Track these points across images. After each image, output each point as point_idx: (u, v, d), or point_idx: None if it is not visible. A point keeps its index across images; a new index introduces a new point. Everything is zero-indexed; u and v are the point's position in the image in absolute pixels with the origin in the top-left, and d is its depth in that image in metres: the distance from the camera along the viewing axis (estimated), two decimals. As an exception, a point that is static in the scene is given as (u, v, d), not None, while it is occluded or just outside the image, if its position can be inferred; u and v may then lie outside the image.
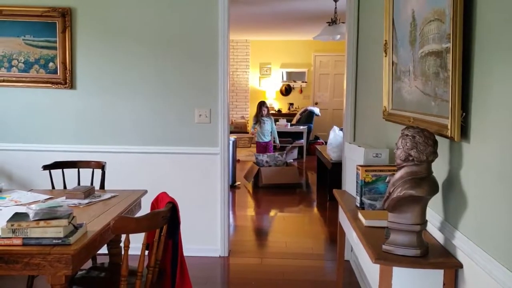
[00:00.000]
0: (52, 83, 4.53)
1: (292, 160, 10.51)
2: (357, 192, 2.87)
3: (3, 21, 4.47)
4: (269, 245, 5.21)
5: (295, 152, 10.89)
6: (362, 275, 3.86)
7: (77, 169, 3.93)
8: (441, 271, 2.03)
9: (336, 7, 7.19)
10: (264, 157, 8.07)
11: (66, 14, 4.45)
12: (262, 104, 8.91)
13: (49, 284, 2.32)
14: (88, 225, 2.61)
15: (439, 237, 2.24)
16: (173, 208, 2.74)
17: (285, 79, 13.82)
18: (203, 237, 4.65)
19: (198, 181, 4.61)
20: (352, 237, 2.73)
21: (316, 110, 11.77)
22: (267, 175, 7.82)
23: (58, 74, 4.52)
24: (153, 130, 4.58)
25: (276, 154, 8.20)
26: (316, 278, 4.16)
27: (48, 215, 2.29)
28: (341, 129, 5.88)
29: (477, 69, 1.86)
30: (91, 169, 3.92)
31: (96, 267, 3.13)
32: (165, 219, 2.61)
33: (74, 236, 2.32)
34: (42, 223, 2.27)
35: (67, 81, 4.51)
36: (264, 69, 13.77)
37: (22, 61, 4.53)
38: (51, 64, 4.52)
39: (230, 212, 6.50)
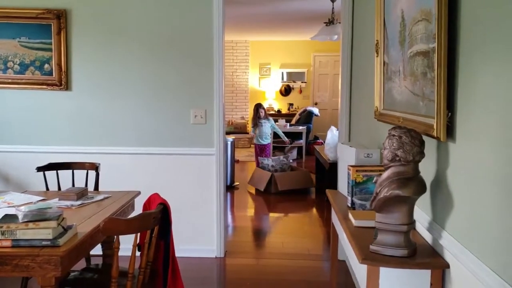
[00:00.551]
0: (48, 84, 4.54)
1: (291, 161, 10.51)
2: (348, 192, 2.87)
3: (-2, 23, 4.48)
4: (265, 246, 5.21)
5: (295, 152, 10.91)
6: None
7: (71, 170, 3.93)
8: (429, 271, 2.03)
9: (333, 8, 7.19)
10: (269, 161, 7.90)
11: (61, 16, 4.45)
12: (258, 106, 8.78)
13: (40, 285, 2.32)
14: (79, 226, 2.62)
15: (427, 237, 2.24)
16: (164, 209, 2.74)
17: (284, 79, 13.82)
18: (199, 237, 4.66)
19: (194, 182, 4.62)
20: (343, 238, 2.73)
21: (315, 110, 11.77)
22: (282, 181, 7.53)
23: (54, 75, 4.52)
24: (148, 131, 4.58)
25: (281, 157, 8.07)
26: (311, 279, 4.16)
27: (37, 217, 2.30)
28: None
29: (462, 69, 1.86)
30: (85, 171, 3.92)
31: (89, 269, 3.13)
32: (157, 220, 2.61)
33: (63, 237, 2.33)
34: (31, 224, 2.28)
35: (63, 82, 4.52)
36: (264, 69, 13.78)
37: (17, 63, 4.54)
38: (46, 65, 4.53)
39: (229, 213, 6.53)
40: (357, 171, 2.77)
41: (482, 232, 1.70)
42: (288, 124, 11.13)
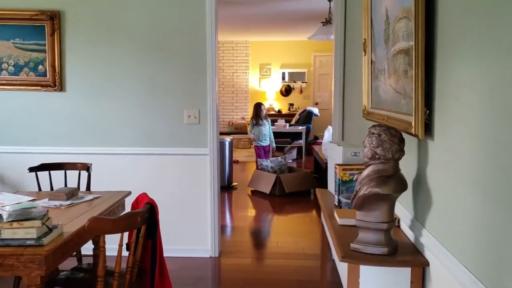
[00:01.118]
0: (42, 85, 4.56)
1: (291, 161, 10.53)
2: (335, 191, 2.87)
3: (-8, 24, 4.51)
4: (261, 245, 5.21)
5: (294, 152, 10.91)
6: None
7: (64, 171, 3.95)
8: (409, 269, 2.03)
9: (330, 7, 7.18)
10: (268, 163, 7.84)
11: (54, 17, 4.47)
12: (260, 106, 8.53)
13: (25, 285, 2.33)
14: (67, 226, 2.63)
15: (410, 235, 2.24)
16: (152, 209, 2.74)
17: (285, 79, 13.82)
18: (194, 237, 4.66)
19: (188, 182, 4.62)
20: (329, 236, 2.73)
21: (315, 110, 11.77)
22: (288, 183, 7.39)
23: (48, 76, 4.54)
24: (142, 131, 4.59)
25: (279, 158, 8.00)
26: (303, 278, 4.16)
27: (22, 216, 2.31)
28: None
29: (439, 66, 1.86)
30: (77, 171, 3.93)
31: (79, 268, 3.14)
32: (143, 220, 2.62)
33: (48, 237, 2.34)
34: (15, 224, 2.29)
35: (57, 83, 4.54)
36: (264, 69, 13.78)
37: (12, 64, 4.56)
38: (40, 67, 4.55)
39: (226, 213, 6.54)
40: (343, 169, 2.77)
41: (457, 230, 1.70)
42: (287, 124, 11.13)
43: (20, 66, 4.56)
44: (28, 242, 2.29)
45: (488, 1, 1.46)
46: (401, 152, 2.01)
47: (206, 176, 4.62)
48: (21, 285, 3.41)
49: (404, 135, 2.05)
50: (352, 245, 2.09)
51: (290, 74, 13.78)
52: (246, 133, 12.74)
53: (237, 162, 10.16)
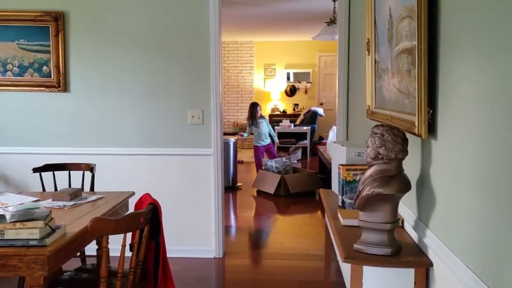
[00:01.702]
0: (46, 86, 4.56)
1: (296, 161, 10.51)
2: (339, 191, 2.86)
3: (-3, 26, 4.52)
4: (265, 246, 5.20)
5: (299, 152, 10.89)
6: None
7: (68, 171, 3.95)
8: (412, 270, 2.02)
9: (334, 7, 7.17)
10: (272, 163, 7.78)
11: (58, 18, 4.48)
12: (256, 105, 8.41)
13: (28, 285, 2.33)
14: (70, 226, 2.63)
15: (413, 235, 2.23)
16: (155, 209, 2.74)
17: (290, 80, 13.80)
18: (198, 238, 4.66)
19: (191, 182, 4.62)
20: (332, 237, 2.72)
21: (320, 110, 11.75)
22: (293, 184, 7.35)
23: (52, 77, 4.55)
24: (146, 131, 4.59)
25: (284, 158, 7.95)
26: (306, 279, 4.15)
27: (25, 217, 2.30)
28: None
29: (442, 65, 1.85)
30: (81, 172, 3.94)
31: (83, 269, 3.14)
32: (146, 220, 2.62)
33: (51, 237, 2.34)
34: (18, 224, 2.29)
35: (61, 84, 4.54)
36: (269, 70, 13.77)
37: (16, 65, 4.57)
38: (45, 67, 4.56)
39: (231, 213, 6.54)
40: (347, 170, 2.76)
41: (461, 230, 1.69)
42: (292, 124, 11.11)
43: (24, 67, 4.57)
44: (31, 243, 2.28)
45: (491, -1, 1.45)
46: (404, 152, 2.00)
47: (210, 176, 4.61)
48: (25, 286, 3.42)
49: (408, 135, 2.04)
50: (355, 245, 2.08)
51: (295, 74, 13.77)
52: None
53: (241, 162, 10.15)
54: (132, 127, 4.59)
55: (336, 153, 3.17)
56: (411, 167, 2.20)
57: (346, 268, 2.31)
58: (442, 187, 1.87)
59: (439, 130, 1.88)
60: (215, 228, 4.64)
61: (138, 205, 2.98)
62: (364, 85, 3.50)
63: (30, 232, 2.29)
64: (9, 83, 4.58)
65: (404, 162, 2.03)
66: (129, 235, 2.68)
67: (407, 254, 2.06)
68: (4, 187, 4.59)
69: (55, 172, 3.93)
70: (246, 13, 8.97)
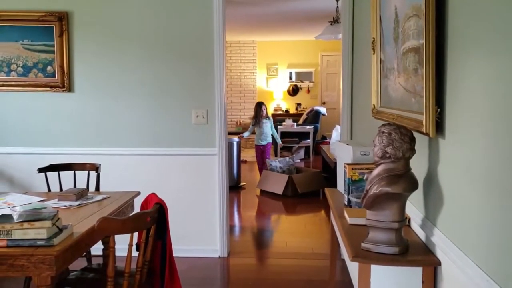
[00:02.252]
0: (50, 86, 4.57)
1: (299, 160, 10.52)
2: (345, 190, 2.86)
3: (1, 26, 4.53)
4: (270, 245, 5.20)
5: (302, 152, 10.89)
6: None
7: (73, 171, 3.96)
8: (420, 269, 2.01)
9: (337, 6, 7.16)
10: (276, 163, 7.76)
11: (63, 18, 4.48)
12: (262, 105, 8.39)
13: (36, 285, 2.34)
14: (77, 226, 2.63)
15: (421, 234, 2.23)
16: (161, 209, 2.74)
17: (292, 79, 13.80)
18: (202, 238, 4.66)
19: (196, 182, 4.63)
20: (339, 236, 2.72)
21: (323, 109, 11.75)
22: (301, 184, 7.32)
23: (56, 77, 4.56)
24: (150, 131, 4.60)
25: (287, 158, 7.93)
26: (312, 278, 4.15)
27: (32, 217, 2.31)
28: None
29: (450, 64, 1.85)
30: (86, 171, 3.94)
31: (89, 268, 3.14)
32: (153, 220, 2.62)
33: (58, 237, 2.34)
34: (26, 224, 2.29)
35: (65, 84, 4.55)
36: (271, 69, 13.76)
37: (20, 66, 4.58)
38: (49, 68, 4.56)
39: (235, 213, 6.54)
40: (353, 169, 2.76)
41: (469, 228, 1.69)
42: (295, 124, 11.11)
43: (28, 67, 4.57)
44: (39, 243, 2.29)
45: (500, -3, 1.45)
46: (412, 151, 2.00)
47: (215, 176, 4.61)
48: (31, 286, 3.43)
49: (415, 134, 2.04)
50: (363, 244, 2.08)
51: (297, 73, 13.76)
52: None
53: (245, 162, 10.15)
54: (136, 127, 4.60)
55: (342, 152, 3.17)
56: (417, 166, 2.20)
57: (353, 267, 2.31)
58: (450, 185, 1.87)
59: (447, 129, 1.88)
60: (220, 227, 4.65)
61: (144, 205, 2.99)
62: (368, 84, 3.49)
63: (38, 232, 2.30)
64: (13, 83, 4.59)
65: (411, 161, 2.03)
66: (135, 234, 2.69)
67: (414, 253, 2.06)
68: (9, 187, 4.60)
69: (60, 172, 3.93)
70: (249, 12, 8.97)
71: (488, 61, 1.52)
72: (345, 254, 2.67)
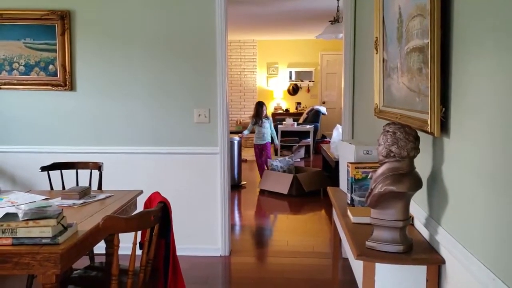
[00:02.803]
0: (52, 85, 4.58)
1: (299, 160, 10.53)
2: (348, 189, 2.87)
3: (3, 24, 4.53)
4: (271, 244, 5.21)
5: (302, 151, 10.91)
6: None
7: (75, 170, 3.96)
8: (424, 267, 2.03)
9: (338, 6, 7.18)
10: (277, 163, 7.75)
11: (65, 17, 4.49)
12: (262, 104, 8.39)
13: (41, 283, 2.35)
14: (81, 224, 2.64)
15: (424, 233, 2.24)
16: (165, 208, 2.75)
17: (292, 78, 13.82)
18: (204, 236, 4.67)
19: (198, 181, 4.63)
20: (343, 234, 2.73)
21: (323, 109, 11.76)
22: (306, 183, 7.30)
23: (58, 76, 4.56)
24: (152, 130, 4.60)
25: (287, 158, 7.94)
26: (314, 276, 4.16)
27: (37, 215, 2.32)
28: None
29: (455, 64, 1.86)
30: (89, 170, 3.95)
31: (92, 267, 3.15)
32: (157, 219, 2.63)
33: (63, 235, 2.35)
34: (31, 223, 2.30)
35: (67, 83, 4.55)
36: (272, 68, 13.78)
37: (22, 64, 4.58)
38: (51, 66, 4.57)
39: (236, 212, 6.55)
40: (356, 168, 2.77)
41: (474, 227, 1.70)
42: (295, 123, 11.12)
43: (30, 65, 4.58)
44: (44, 241, 2.30)
45: (506, -3, 1.46)
46: (416, 150, 2.01)
47: (217, 175, 4.62)
48: (34, 283, 3.44)
49: (419, 133, 2.05)
50: (367, 243, 2.09)
51: (297, 73, 13.78)
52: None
53: (245, 161, 10.16)
54: (138, 126, 4.60)
55: (344, 151, 3.18)
56: (421, 165, 2.21)
57: (357, 266, 2.32)
58: (455, 184, 1.88)
59: (452, 128, 1.89)
60: (222, 226, 4.66)
61: (148, 203, 3.00)
62: (371, 84, 3.51)
63: (43, 230, 2.30)
64: (15, 82, 4.60)
65: (415, 160, 2.04)
66: (139, 233, 2.69)
67: (418, 251, 2.07)
68: (11, 185, 4.60)
69: (63, 170, 3.94)
70: (249, 11, 8.98)
71: (493, 60, 1.53)
72: (348, 252, 2.68)
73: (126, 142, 4.62)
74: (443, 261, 1.97)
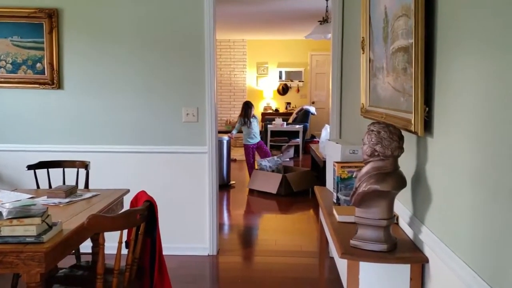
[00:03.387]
0: (40, 83, 4.55)
1: (288, 159, 10.55)
2: (334, 188, 2.88)
3: (-10, 22, 4.50)
4: (259, 243, 5.22)
5: (291, 151, 10.93)
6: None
7: (62, 168, 3.95)
8: (408, 266, 2.04)
9: (327, 6, 7.20)
10: (266, 162, 7.73)
11: (52, 15, 4.46)
12: (250, 104, 8.36)
13: (25, 282, 2.34)
14: (66, 223, 2.63)
15: (409, 232, 2.25)
16: (151, 207, 2.75)
17: (282, 78, 13.83)
18: (192, 236, 4.67)
19: (186, 180, 4.63)
20: (328, 233, 2.74)
21: (312, 109, 11.79)
22: (295, 183, 7.30)
23: (46, 74, 4.53)
24: (140, 129, 4.59)
25: (275, 158, 7.93)
26: (300, 275, 4.17)
27: (21, 214, 2.31)
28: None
29: (439, 64, 1.87)
30: (76, 169, 3.94)
31: (78, 266, 3.14)
32: (143, 217, 2.62)
33: (47, 234, 2.34)
34: (15, 221, 2.29)
35: (55, 81, 4.53)
36: (261, 68, 13.79)
37: (10, 62, 4.55)
38: (38, 64, 4.54)
39: (224, 211, 6.55)
40: (342, 167, 2.79)
41: (456, 226, 1.71)
42: (285, 123, 11.14)
43: (18, 63, 4.55)
44: (28, 239, 2.29)
45: (488, -2, 1.47)
46: (400, 149, 2.02)
47: (205, 174, 4.62)
48: (20, 283, 3.42)
49: (403, 133, 2.07)
50: (351, 241, 2.10)
51: (287, 73, 13.80)
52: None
53: (234, 160, 10.16)
54: (126, 124, 4.59)
55: (331, 150, 3.19)
56: (406, 164, 2.22)
57: (342, 264, 2.33)
58: (438, 183, 1.89)
59: (435, 128, 1.90)
60: (209, 225, 4.65)
61: (134, 202, 2.99)
62: (358, 84, 3.52)
63: (27, 229, 2.29)
64: (2, 80, 4.56)
65: (399, 159, 2.06)
66: (125, 232, 2.69)
67: (402, 250, 2.08)
68: (-3, 184, 4.58)
69: (49, 169, 3.92)
70: (239, 11, 8.98)
71: (475, 60, 1.55)
72: (334, 251, 2.69)
73: (114, 141, 4.60)
74: (426, 260, 1.99)
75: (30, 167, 3.85)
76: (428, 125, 1.95)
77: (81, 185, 3.89)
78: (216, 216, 4.71)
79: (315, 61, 13.50)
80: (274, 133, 10.81)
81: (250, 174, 8.17)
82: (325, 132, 6.85)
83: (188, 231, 4.66)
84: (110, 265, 2.77)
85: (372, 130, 2.03)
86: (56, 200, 3.11)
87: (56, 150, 4.54)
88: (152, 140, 4.59)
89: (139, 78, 4.55)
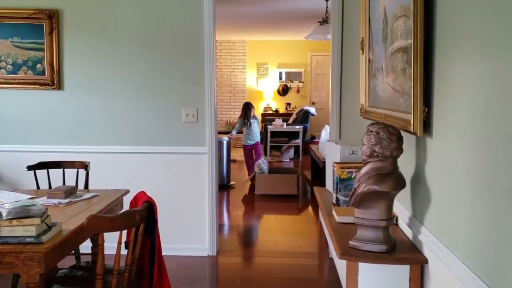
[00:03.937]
0: (40, 84, 4.55)
1: (288, 160, 10.55)
2: (333, 189, 2.88)
3: (-10, 23, 4.50)
4: (258, 244, 5.22)
5: (291, 151, 10.93)
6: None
7: (62, 169, 3.95)
8: (407, 267, 2.04)
9: (327, 7, 7.20)
10: (265, 165, 7.63)
11: (53, 16, 4.47)
12: (250, 105, 8.37)
13: (24, 282, 2.34)
14: (66, 224, 2.63)
15: (408, 232, 2.25)
16: (150, 207, 2.75)
17: (282, 79, 13.84)
18: (192, 236, 4.67)
19: (186, 181, 4.63)
20: (327, 234, 2.74)
21: (312, 109, 11.78)
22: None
23: (46, 75, 4.54)
24: (140, 130, 4.59)
25: (260, 160, 7.88)
26: (300, 276, 4.17)
27: (21, 214, 2.31)
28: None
29: (438, 64, 1.88)
30: (76, 169, 3.94)
31: (77, 266, 3.14)
32: (142, 218, 2.63)
33: (47, 234, 2.34)
34: (14, 221, 2.29)
35: (55, 82, 4.53)
36: (261, 69, 13.79)
37: (10, 63, 4.55)
38: (38, 65, 4.54)
39: (224, 212, 6.55)
40: (341, 168, 2.79)
41: (456, 227, 1.71)
42: (285, 123, 11.14)
43: (18, 64, 4.55)
44: (28, 240, 2.29)
45: (486, -1, 1.47)
46: (400, 150, 2.02)
47: (205, 175, 4.62)
48: (19, 283, 3.42)
49: (403, 133, 2.07)
50: (350, 242, 2.10)
51: (287, 73, 13.80)
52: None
53: (234, 161, 10.16)
54: (126, 125, 4.59)
55: (331, 151, 3.19)
56: (405, 165, 2.22)
57: (341, 265, 2.33)
58: (437, 184, 1.89)
59: (435, 128, 1.90)
60: (209, 226, 4.65)
61: (134, 203, 2.99)
62: (357, 84, 3.52)
63: (27, 229, 2.30)
64: (2, 80, 4.56)
65: (399, 159, 2.06)
66: (124, 232, 2.69)
67: (402, 251, 2.08)
68: (-3, 185, 4.58)
69: (49, 170, 3.92)
70: (239, 11, 8.98)
71: (474, 61, 1.55)
72: (333, 252, 2.69)
73: (113, 142, 4.61)
74: (426, 261, 1.99)
75: (30, 167, 3.85)
76: (427, 126, 1.95)
77: (81, 186, 3.90)
78: (216, 217, 4.71)
79: (315, 62, 13.50)
80: (274, 134, 10.80)
81: (249, 175, 8.17)
82: (325, 133, 6.85)
83: (188, 232, 4.66)
84: (109, 265, 2.78)
85: (371, 131, 2.03)
86: (56, 201, 3.11)
87: (56, 151, 4.55)
88: (152, 140, 4.60)
89: (139, 78, 4.55)
